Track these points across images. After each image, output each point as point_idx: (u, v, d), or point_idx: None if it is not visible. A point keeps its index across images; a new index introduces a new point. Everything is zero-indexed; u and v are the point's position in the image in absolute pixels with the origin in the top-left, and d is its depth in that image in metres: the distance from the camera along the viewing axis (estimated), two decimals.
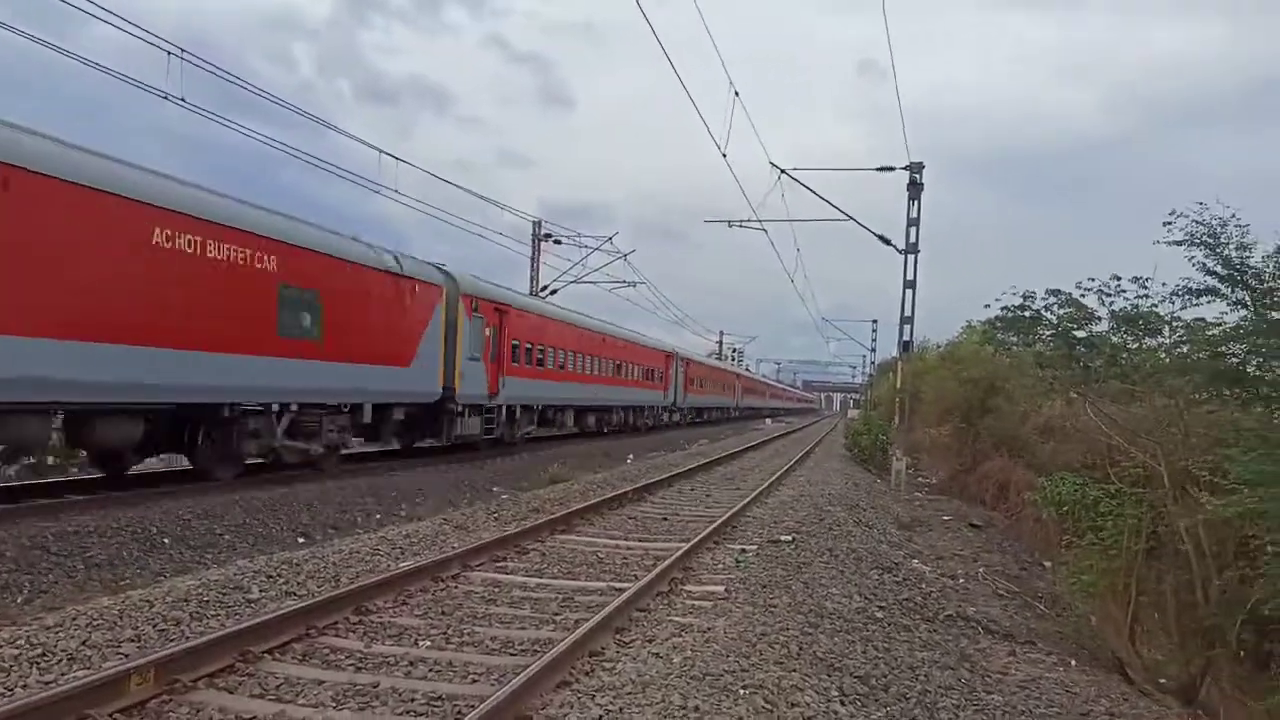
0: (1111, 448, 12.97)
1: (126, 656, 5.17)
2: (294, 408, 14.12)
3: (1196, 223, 10.08)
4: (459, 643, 6.05)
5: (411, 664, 5.54)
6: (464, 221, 26.71)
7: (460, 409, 19.01)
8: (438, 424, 18.78)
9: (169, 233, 11.31)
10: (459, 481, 16.95)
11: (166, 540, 10.20)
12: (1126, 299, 11.91)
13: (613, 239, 33.02)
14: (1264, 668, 9.81)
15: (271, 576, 7.40)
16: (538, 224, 32.94)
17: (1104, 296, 12.13)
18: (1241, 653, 9.76)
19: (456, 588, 7.58)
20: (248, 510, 12.02)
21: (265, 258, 13.01)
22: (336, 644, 5.84)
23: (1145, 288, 11.78)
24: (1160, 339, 12.50)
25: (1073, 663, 8.92)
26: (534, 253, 32.45)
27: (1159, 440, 11.36)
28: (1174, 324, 11.89)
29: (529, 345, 23.27)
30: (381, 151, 19.60)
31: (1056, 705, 7.35)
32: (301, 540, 11.21)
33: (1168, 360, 12.07)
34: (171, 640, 5.55)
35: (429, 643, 6.01)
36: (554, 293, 31.40)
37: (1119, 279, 12.01)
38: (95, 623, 5.71)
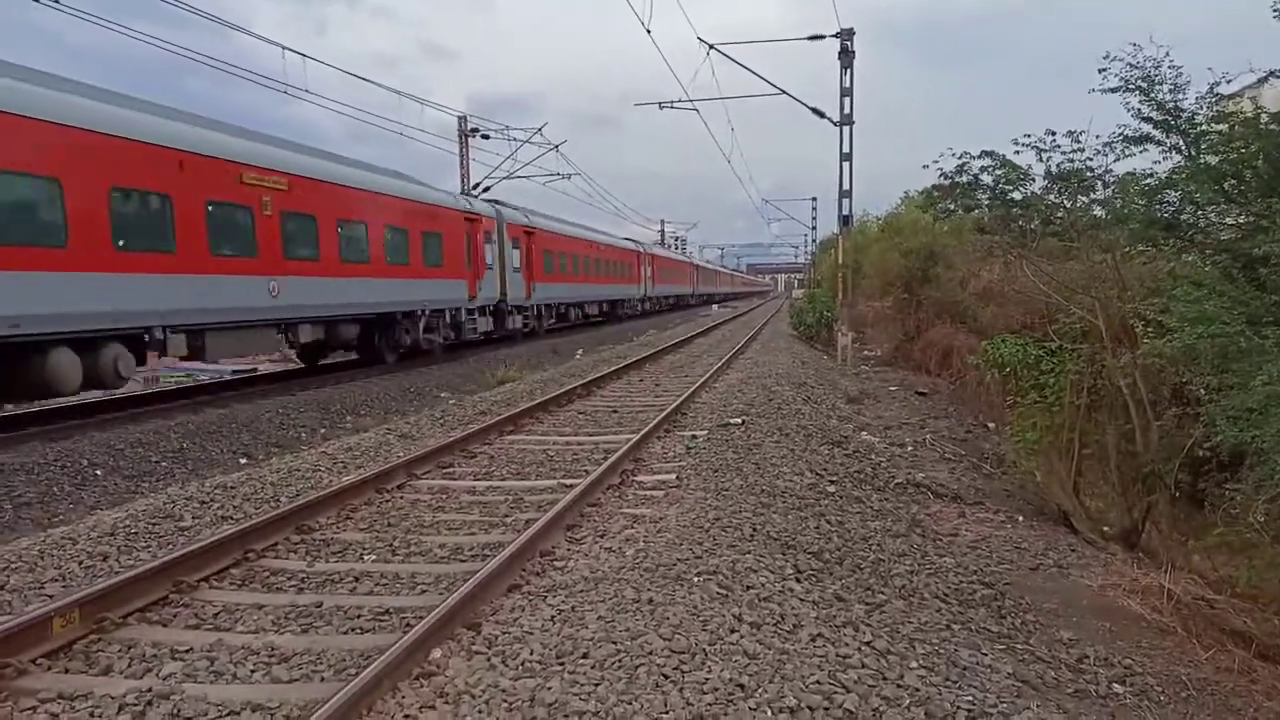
0: (1050, 306, 13.07)
1: (50, 598, 4.91)
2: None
3: (1130, 65, 9.84)
4: (405, 554, 5.89)
5: (356, 580, 5.37)
6: (387, 121, 25.81)
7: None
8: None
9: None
10: (405, 390, 16.63)
11: (99, 472, 9.84)
12: (1063, 153, 11.75)
13: (542, 130, 31.90)
14: (1199, 507, 10.17)
15: (205, 502, 7.12)
16: (463, 119, 31.66)
17: (1040, 153, 11.96)
18: (1178, 495, 10.09)
19: (402, 498, 7.39)
20: (185, 434, 11.65)
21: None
22: (277, 566, 5.64)
23: (1079, 142, 11.62)
24: (1094, 195, 12.46)
25: (1020, 519, 9.12)
26: (462, 150, 31.28)
27: (1096, 295, 11.45)
28: (1106, 179, 11.83)
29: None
30: (287, 49, 18.37)
31: (1007, 561, 7.50)
32: (244, 461, 10.91)
33: (1103, 214, 12.05)
34: (99, 577, 5.29)
35: (374, 556, 5.84)
36: (487, 190, 30.44)
37: (1053, 134, 11.83)
38: (14, 565, 5.41)
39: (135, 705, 3.72)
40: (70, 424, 12.02)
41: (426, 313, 20.24)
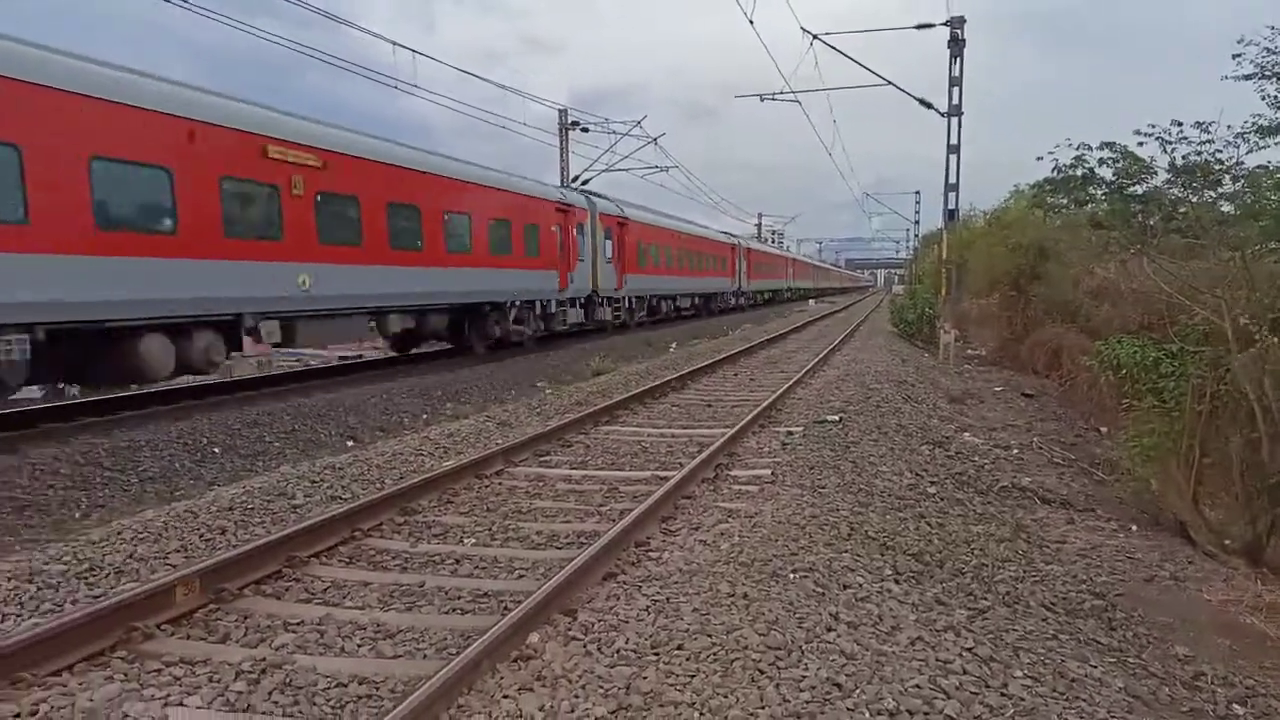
0: (1171, 306, 12.42)
1: (174, 567, 5.19)
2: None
3: (1268, 50, 9.26)
4: (504, 539, 6.01)
5: (457, 562, 5.51)
6: (491, 115, 26.32)
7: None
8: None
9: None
10: (503, 379, 16.95)
11: (217, 450, 10.33)
12: (1190, 144, 11.15)
13: (641, 123, 32.00)
14: None
15: (315, 481, 7.41)
16: (563, 113, 32.02)
17: (1165, 144, 11.38)
18: None
19: (500, 484, 7.54)
20: (296, 416, 12.12)
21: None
22: (382, 545, 5.83)
23: (1209, 132, 11.01)
24: (1221, 189, 11.78)
25: (1134, 528, 8.71)
26: (562, 143, 31.65)
27: (1222, 295, 10.82)
28: (1235, 172, 11.16)
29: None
30: (397, 45, 18.93)
31: (1119, 572, 7.17)
32: (350, 444, 11.30)
33: (1232, 210, 11.38)
34: (218, 549, 5.57)
35: (474, 540, 5.97)
36: (585, 183, 30.72)
37: (1180, 125, 11.24)
38: (141, 536, 5.74)
39: (250, 673, 3.90)
40: (190, 404, 12.68)
41: (517, 304, 20.28)
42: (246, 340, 12.77)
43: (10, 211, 9.19)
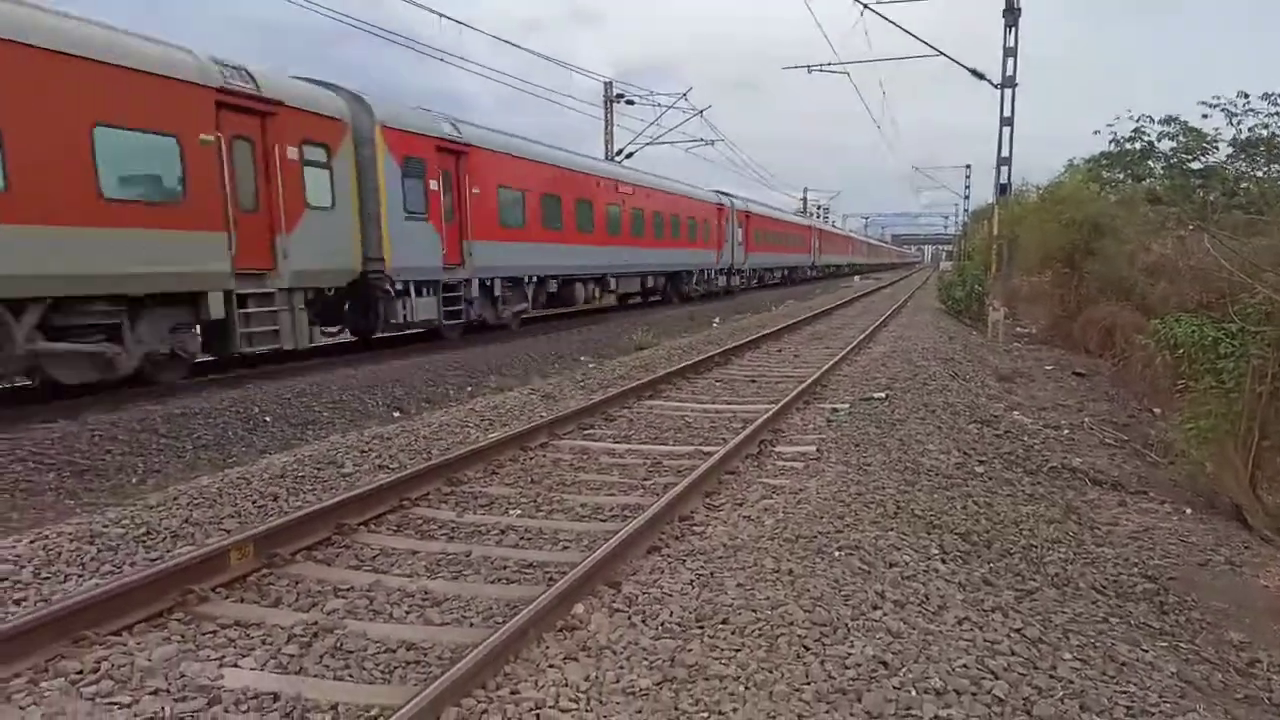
0: (1232, 284, 12.04)
1: (228, 532, 5.31)
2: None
3: None
4: (549, 510, 6.05)
5: (502, 532, 5.56)
6: (535, 87, 26.40)
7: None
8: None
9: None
10: (546, 353, 17.04)
11: (268, 419, 10.53)
12: (1258, 117, 10.75)
13: (687, 95, 31.79)
14: None
15: (364, 451, 7.53)
16: (609, 85, 31.85)
17: (1231, 117, 11.00)
18: None
19: (545, 456, 7.59)
20: (344, 387, 12.31)
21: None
22: (429, 515, 5.91)
23: (1277, 105, 10.61)
24: None
25: (1188, 511, 8.52)
26: (607, 115, 31.52)
27: None
28: None
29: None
30: (442, 16, 18.90)
31: (1172, 555, 7.02)
32: (397, 414, 11.44)
33: None
34: (270, 515, 5.68)
35: (519, 511, 6.03)
36: (629, 156, 30.62)
37: (1246, 96, 10.84)
38: (196, 501, 5.88)
39: (302, 637, 3.98)
40: (242, 373, 12.94)
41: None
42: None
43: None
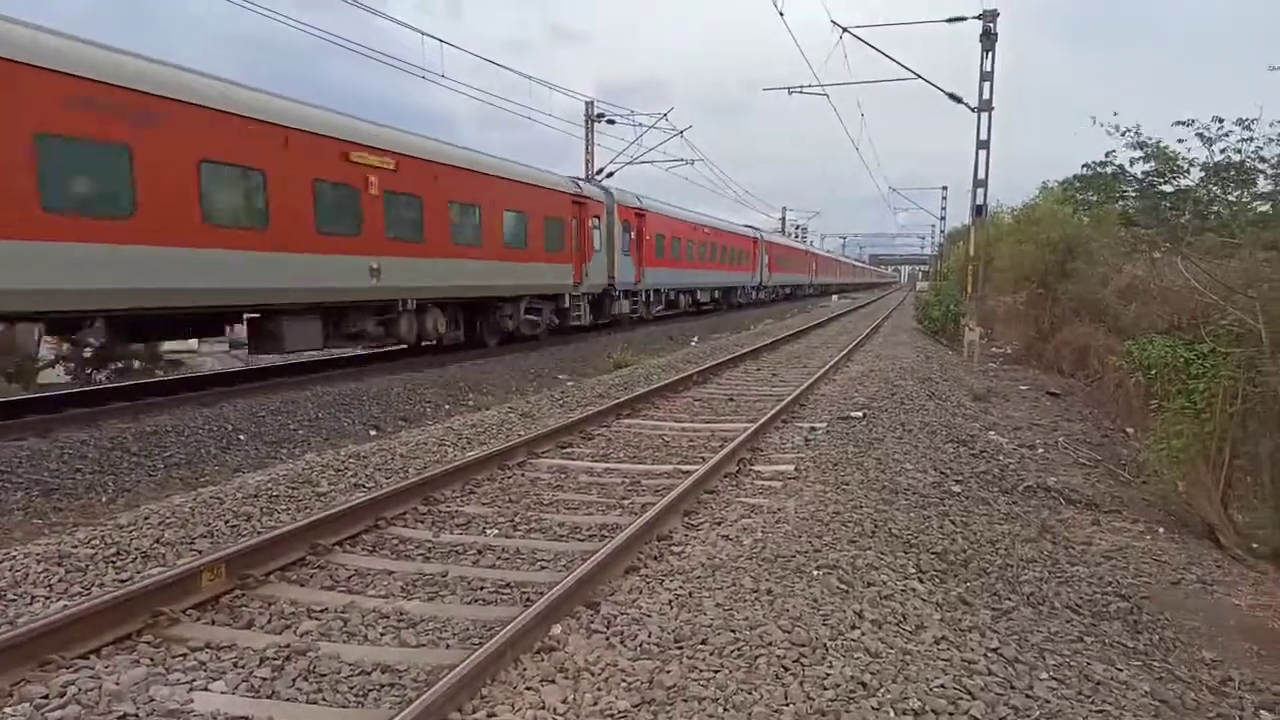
0: (1203, 306, 12.23)
1: (199, 553, 5.24)
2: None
3: None
4: (526, 530, 6.01)
5: (479, 552, 5.52)
6: (517, 106, 26.49)
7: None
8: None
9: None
10: (525, 370, 16.99)
11: (242, 437, 10.43)
12: (1228, 140, 10.96)
13: (667, 115, 31.90)
14: None
15: (339, 470, 7.45)
16: (590, 104, 31.97)
17: (1206, 140, 11.19)
18: None
19: (523, 475, 7.55)
20: (320, 405, 12.20)
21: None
22: (405, 534, 5.85)
23: (1250, 130, 10.82)
24: (1256, 189, 11.58)
25: (1160, 530, 8.61)
26: (588, 134, 31.61)
27: (1256, 295, 10.64)
28: (1275, 169, 10.96)
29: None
30: (425, 34, 18.93)
31: (1145, 574, 7.09)
32: (373, 433, 11.36)
33: (1269, 209, 11.19)
34: (243, 535, 5.61)
35: (496, 531, 5.99)
36: (610, 175, 30.69)
37: (1220, 121, 11.05)
38: (168, 521, 5.79)
39: (274, 659, 3.92)
40: (217, 390, 12.79)
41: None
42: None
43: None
